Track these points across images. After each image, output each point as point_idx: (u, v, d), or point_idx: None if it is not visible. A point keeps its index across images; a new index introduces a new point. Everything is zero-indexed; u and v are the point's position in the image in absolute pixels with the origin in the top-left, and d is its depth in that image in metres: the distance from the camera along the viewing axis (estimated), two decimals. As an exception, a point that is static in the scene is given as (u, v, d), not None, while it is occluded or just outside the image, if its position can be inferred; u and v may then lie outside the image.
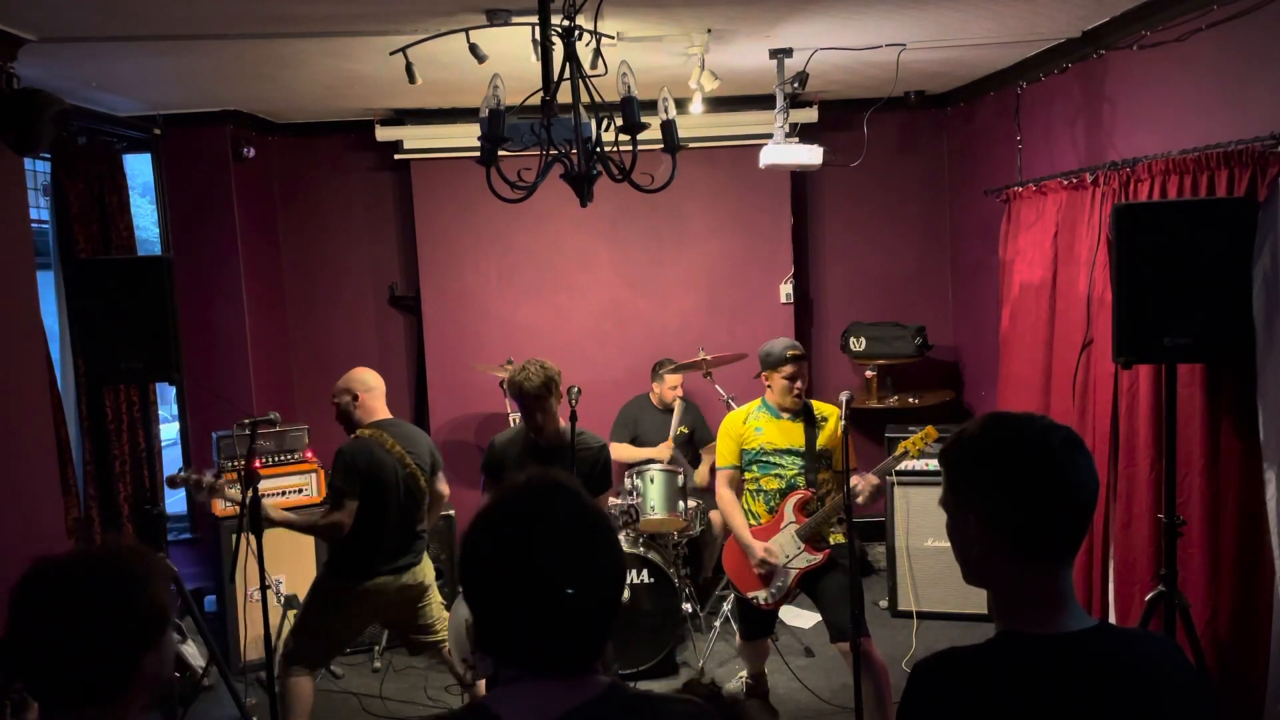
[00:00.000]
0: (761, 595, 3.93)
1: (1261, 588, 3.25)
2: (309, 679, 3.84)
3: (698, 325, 5.99)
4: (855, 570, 3.67)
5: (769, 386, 3.96)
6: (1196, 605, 3.36)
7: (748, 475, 4.00)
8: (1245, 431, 3.26)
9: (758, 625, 4.08)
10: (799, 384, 3.87)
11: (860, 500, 3.58)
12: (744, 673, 4.45)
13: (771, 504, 3.92)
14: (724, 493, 4.03)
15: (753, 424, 3.98)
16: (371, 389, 3.91)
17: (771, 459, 3.92)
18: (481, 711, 1.27)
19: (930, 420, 5.36)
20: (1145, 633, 1.52)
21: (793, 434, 3.90)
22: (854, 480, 3.52)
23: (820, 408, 4.00)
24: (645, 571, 4.53)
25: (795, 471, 3.89)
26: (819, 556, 3.81)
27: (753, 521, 3.96)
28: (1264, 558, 3.22)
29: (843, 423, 3.46)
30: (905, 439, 3.82)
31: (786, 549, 3.84)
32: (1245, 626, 3.32)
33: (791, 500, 3.85)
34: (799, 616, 5.17)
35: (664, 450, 5.25)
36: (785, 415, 3.93)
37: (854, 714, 3.42)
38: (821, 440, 3.91)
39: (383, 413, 3.91)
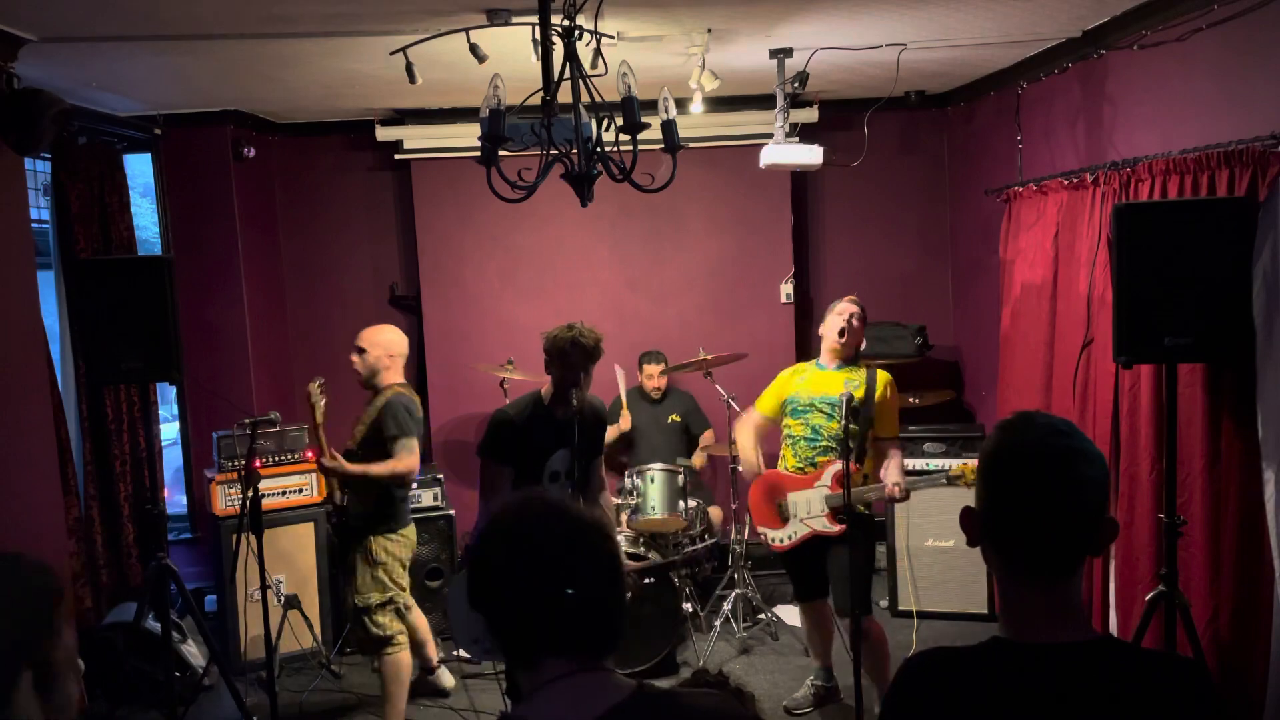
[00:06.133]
0: (771, 534, 4.02)
1: (1262, 588, 3.25)
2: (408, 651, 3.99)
3: (698, 325, 5.98)
4: (876, 547, 3.94)
5: (822, 337, 4.07)
6: (1197, 605, 3.36)
7: (786, 423, 4.07)
8: (1246, 431, 3.26)
9: (805, 583, 4.11)
10: (853, 321, 3.98)
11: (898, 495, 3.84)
12: (810, 678, 4.34)
13: (801, 454, 3.97)
14: (742, 423, 4.25)
15: (797, 375, 4.11)
16: (402, 355, 4.04)
17: (806, 406, 3.98)
18: None
19: (930, 419, 5.39)
20: (1158, 655, 1.44)
21: (833, 382, 3.94)
22: (892, 479, 3.82)
23: (875, 367, 4.08)
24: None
25: (823, 419, 3.92)
26: (835, 529, 3.85)
27: (785, 468, 4.03)
28: (1264, 558, 3.22)
29: (847, 422, 3.51)
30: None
31: (812, 506, 3.92)
32: (1245, 626, 3.31)
33: (832, 468, 3.86)
34: (798, 615, 5.14)
35: (622, 422, 5.44)
36: (831, 368, 4.02)
37: (854, 697, 3.52)
38: (863, 394, 3.89)
39: (402, 377, 4.04)
